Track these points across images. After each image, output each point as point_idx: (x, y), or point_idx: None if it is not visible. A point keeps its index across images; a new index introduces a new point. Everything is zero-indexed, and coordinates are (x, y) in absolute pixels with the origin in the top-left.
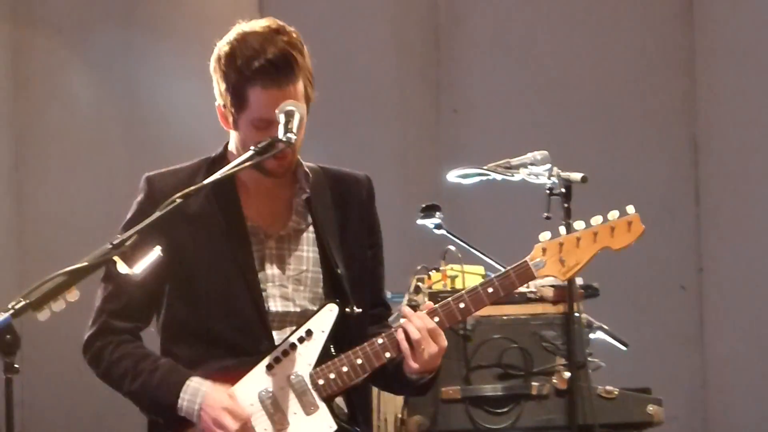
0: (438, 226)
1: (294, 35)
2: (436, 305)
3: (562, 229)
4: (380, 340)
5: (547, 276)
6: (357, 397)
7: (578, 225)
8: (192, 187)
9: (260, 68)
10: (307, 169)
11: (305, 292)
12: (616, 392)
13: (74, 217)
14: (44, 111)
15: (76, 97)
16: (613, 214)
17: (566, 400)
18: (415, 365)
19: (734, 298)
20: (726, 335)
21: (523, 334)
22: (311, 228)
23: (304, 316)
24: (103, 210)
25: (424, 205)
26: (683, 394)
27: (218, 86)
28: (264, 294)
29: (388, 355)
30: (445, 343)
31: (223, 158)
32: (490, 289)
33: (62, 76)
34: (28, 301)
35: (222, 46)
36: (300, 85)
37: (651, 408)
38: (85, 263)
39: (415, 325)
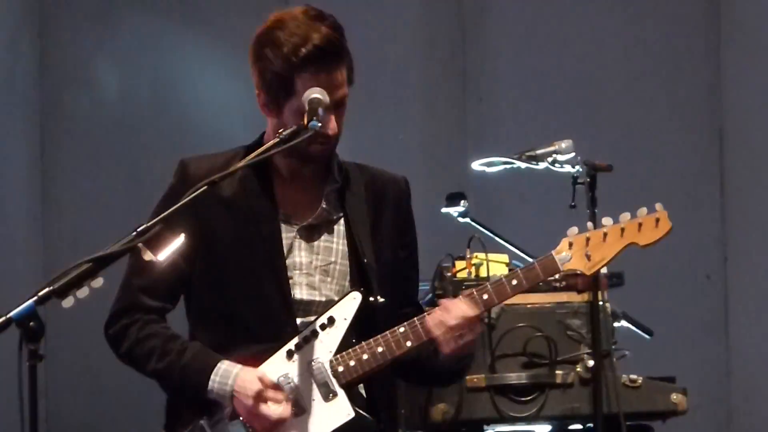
0: (463, 215)
1: (335, 20)
2: (460, 295)
3: (590, 225)
4: (401, 329)
5: (572, 270)
6: (379, 387)
7: (606, 221)
8: (219, 174)
9: (308, 55)
10: (342, 162)
11: (332, 284)
12: (641, 381)
13: (99, 206)
14: (70, 99)
15: (101, 85)
16: (642, 211)
17: (591, 388)
18: (450, 353)
19: (759, 288)
20: (750, 325)
21: (547, 322)
22: (342, 220)
23: (329, 305)
24: (128, 198)
25: (449, 194)
26: (707, 384)
27: (260, 75)
28: (291, 281)
29: (409, 344)
30: (479, 327)
31: (259, 146)
32: (514, 281)
33: (88, 63)
34: (52, 287)
35: (263, 34)
36: (345, 70)
37: (675, 397)
38: (110, 250)
39: (454, 314)
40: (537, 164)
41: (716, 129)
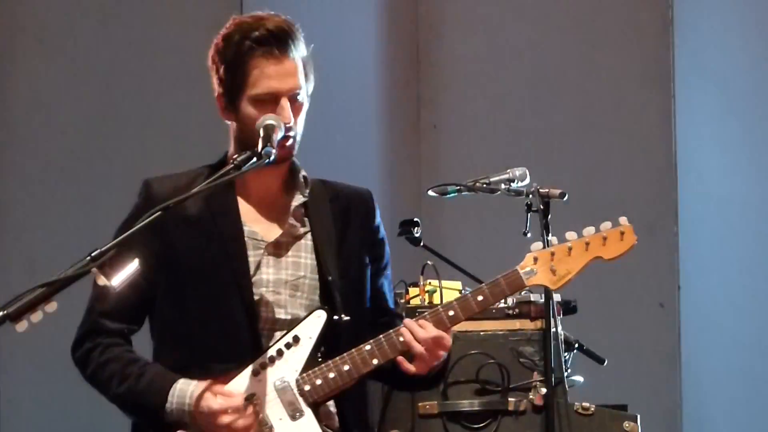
0: (416, 242)
1: (290, 20)
2: (426, 313)
3: (554, 239)
4: (368, 347)
5: (537, 285)
6: (350, 403)
7: (570, 235)
8: (174, 199)
9: (260, 37)
10: (306, 176)
11: (302, 298)
12: (593, 409)
13: (55, 225)
14: (22, 116)
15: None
16: (606, 225)
17: (543, 416)
18: (422, 371)
19: (712, 317)
20: (704, 353)
21: (500, 349)
22: (309, 235)
23: (294, 323)
24: (85, 217)
25: (402, 220)
26: (660, 412)
27: (216, 74)
28: (256, 299)
29: (375, 361)
30: (449, 342)
31: (223, 165)
32: (480, 297)
33: (41, 79)
34: (6, 312)
35: (219, 36)
36: (300, 63)
37: (627, 425)
38: (64, 275)
39: (418, 337)
40: (491, 191)
41: (670, 156)
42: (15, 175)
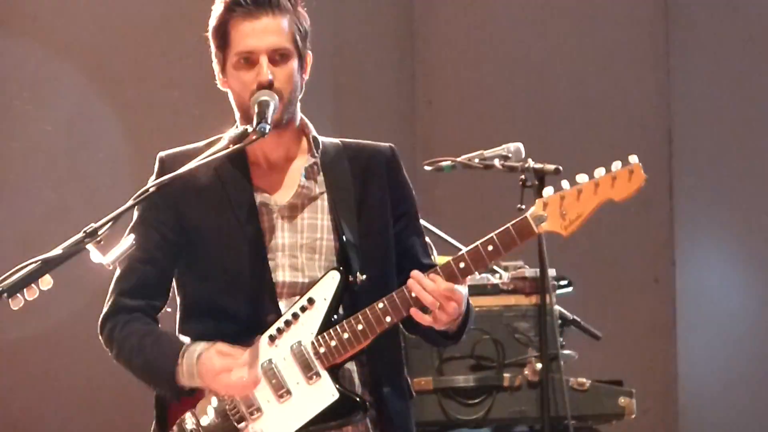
0: None
1: None
2: (437, 266)
3: (565, 183)
4: (381, 305)
5: (548, 232)
6: (374, 363)
7: (580, 178)
8: (168, 175)
9: (239, 0)
10: (317, 136)
11: (320, 260)
12: (588, 384)
13: (49, 201)
14: (15, 93)
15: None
16: (616, 165)
17: (538, 391)
18: (437, 326)
19: (707, 292)
20: (698, 328)
21: (495, 325)
22: (325, 195)
23: (312, 286)
24: (79, 193)
25: None
26: (655, 387)
27: (211, 45)
28: (272, 264)
29: (389, 319)
30: (464, 291)
31: (239, 133)
32: (490, 247)
33: (35, 56)
34: (1, 288)
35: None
36: (284, 23)
37: (623, 400)
38: (58, 251)
39: (427, 289)
40: (486, 167)
41: (665, 131)
42: (9, 151)
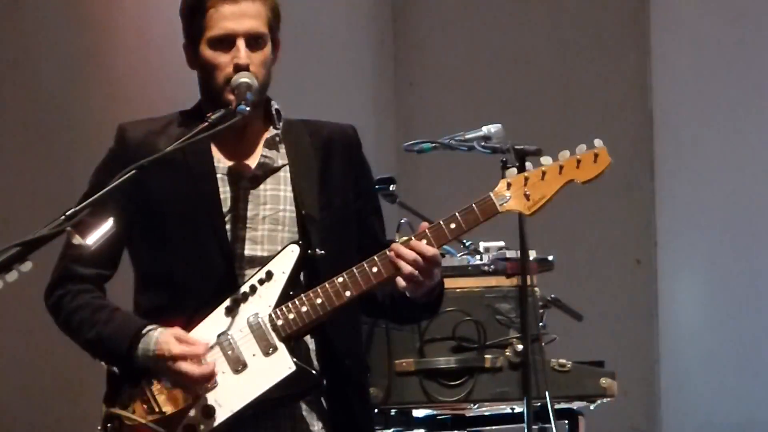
0: (392, 199)
1: None
2: (398, 241)
3: (530, 165)
4: (340, 279)
5: (511, 211)
6: (333, 337)
7: (545, 160)
8: (149, 158)
9: None
10: (279, 109)
11: (283, 232)
12: (570, 365)
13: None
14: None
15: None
16: (581, 148)
17: (520, 372)
18: (418, 293)
19: (689, 273)
20: (680, 310)
21: (476, 306)
22: (287, 167)
23: (270, 259)
24: (59, 177)
25: (378, 177)
26: (637, 368)
27: (182, 22)
28: (231, 236)
29: (348, 294)
30: (440, 259)
31: (198, 110)
32: (453, 225)
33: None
34: None
35: None
36: (262, 8)
37: (604, 381)
38: (39, 234)
39: (408, 259)
40: (467, 148)
41: (646, 113)
42: None
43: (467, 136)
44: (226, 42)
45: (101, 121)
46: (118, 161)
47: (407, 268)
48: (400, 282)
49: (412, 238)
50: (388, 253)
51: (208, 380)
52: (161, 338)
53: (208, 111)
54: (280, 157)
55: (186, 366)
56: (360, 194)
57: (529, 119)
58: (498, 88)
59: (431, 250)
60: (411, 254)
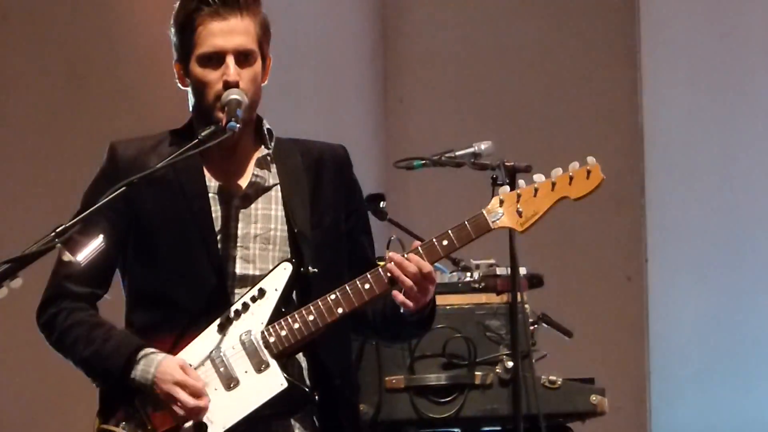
0: (382, 216)
1: None
2: (389, 257)
3: (521, 182)
4: (333, 296)
5: (503, 227)
6: (325, 356)
7: (537, 177)
8: (140, 174)
9: None
10: (271, 128)
11: (274, 251)
12: (560, 382)
13: (19, 201)
14: None
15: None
16: (573, 165)
17: (510, 389)
18: (412, 308)
19: (679, 290)
20: (671, 326)
21: (467, 323)
22: (279, 187)
23: (263, 278)
24: (50, 193)
25: (368, 194)
26: (627, 385)
27: (173, 41)
28: (223, 254)
29: (340, 310)
30: (434, 276)
31: (188, 130)
32: (445, 242)
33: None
34: None
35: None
36: (251, 25)
37: (595, 398)
38: (29, 251)
39: (409, 273)
40: (457, 165)
41: (637, 129)
42: None
43: (458, 153)
44: (215, 59)
45: (90, 137)
46: (110, 179)
47: (408, 282)
48: (398, 296)
49: (404, 255)
50: (386, 264)
51: (198, 414)
52: (165, 363)
53: (199, 128)
54: (271, 177)
55: (182, 395)
56: (350, 213)
57: (519, 136)
58: (488, 105)
59: (427, 266)
60: (412, 266)
